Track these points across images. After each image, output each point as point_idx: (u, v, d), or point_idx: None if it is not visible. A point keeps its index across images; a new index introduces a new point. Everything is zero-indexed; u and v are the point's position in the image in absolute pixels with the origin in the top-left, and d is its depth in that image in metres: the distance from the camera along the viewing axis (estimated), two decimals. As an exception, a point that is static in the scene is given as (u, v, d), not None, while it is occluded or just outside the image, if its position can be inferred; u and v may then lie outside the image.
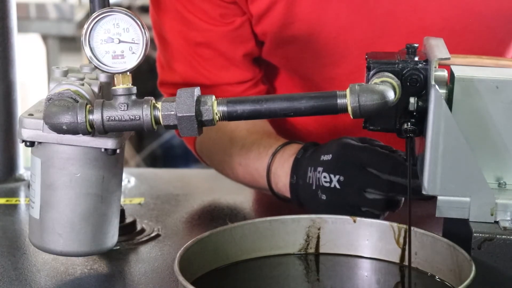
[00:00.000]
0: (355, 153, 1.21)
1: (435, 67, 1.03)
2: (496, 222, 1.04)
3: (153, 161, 3.63)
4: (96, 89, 1.08)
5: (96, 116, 1.01)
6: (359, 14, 1.37)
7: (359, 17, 1.38)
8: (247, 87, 1.47)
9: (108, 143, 1.07)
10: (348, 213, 1.14)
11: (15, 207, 1.42)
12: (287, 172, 1.30)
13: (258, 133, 1.43)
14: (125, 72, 1.01)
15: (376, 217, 1.19)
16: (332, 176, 1.21)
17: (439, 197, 1.05)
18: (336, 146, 1.23)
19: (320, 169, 1.22)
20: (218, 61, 1.45)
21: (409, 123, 1.06)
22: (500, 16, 1.40)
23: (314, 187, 1.23)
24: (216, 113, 1.01)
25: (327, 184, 1.21)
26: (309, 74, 1.47)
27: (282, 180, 1.32)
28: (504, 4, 1.39)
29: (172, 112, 1.01)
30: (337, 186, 1.20)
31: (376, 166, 1.18)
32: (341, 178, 1.20)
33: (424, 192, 1.05)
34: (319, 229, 1.13)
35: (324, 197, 1.22)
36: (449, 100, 1.05)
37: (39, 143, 1.08)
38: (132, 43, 1.01)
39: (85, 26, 1.00)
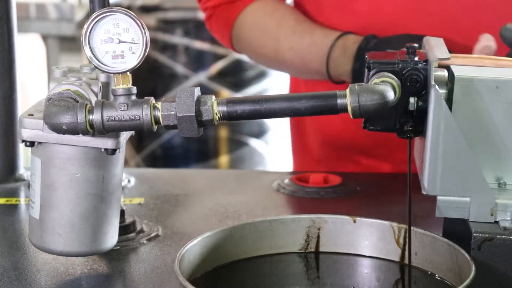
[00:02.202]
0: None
1: (435, 67, 1.03)
2: (496, 222, 1.04)
3: (153, 161, 3.63)
4: (96, 89, 1.08)
5: (96, 116, 1.01)
6: None
7: None
8: None
9: (108, 143, 1.07)
10: None
11: (15, 207, 1.42)
12: (350, 59, 1.42)
13: (308, 22, 1.55)
14: (125, 72, 1.01)
15: None
16: None
17: (439, 197, 1.05)
18: (404, 42, 1.24)
19: None
20: None
21: (409, 123, 1.06)
22: None
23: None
24: (216, 113, 1.01)
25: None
26: None
27: (343, 66, 1.45)
28: None
29: (172, 112, 1.01)
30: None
31: None
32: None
33: (424, 192, 1.05)
34: (319, 229, 1.13)
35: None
36: (449, 100, 1.05)
37: (39, 143, 1.08)
38: (132, 43, 1.01)
39: (85, 26, 1.00)
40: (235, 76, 3.56)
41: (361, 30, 1.50)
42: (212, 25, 1.67)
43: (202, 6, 1.68)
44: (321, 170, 1.62)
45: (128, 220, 1.29)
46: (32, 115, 1.08)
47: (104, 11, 1.00)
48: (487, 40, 1.28)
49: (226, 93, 3.51)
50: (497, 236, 1.01)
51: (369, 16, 1.51)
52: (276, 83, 3.65)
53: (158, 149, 3.63)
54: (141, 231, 1.28)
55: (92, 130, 1.01)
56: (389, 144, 1.45)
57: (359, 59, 1.43)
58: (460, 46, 1.34)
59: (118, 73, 1.01)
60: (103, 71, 1.02)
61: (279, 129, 3.65)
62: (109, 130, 1.02)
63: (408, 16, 1.49)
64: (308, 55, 1.53)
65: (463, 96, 1.05)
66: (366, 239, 1.12)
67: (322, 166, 1.69)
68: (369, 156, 1.64)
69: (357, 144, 1.63)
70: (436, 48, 1.06)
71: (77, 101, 1.03)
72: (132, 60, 1.01)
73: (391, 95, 1.00)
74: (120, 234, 1.17)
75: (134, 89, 1.02)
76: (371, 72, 1.05)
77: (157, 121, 1.02)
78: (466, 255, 1.00)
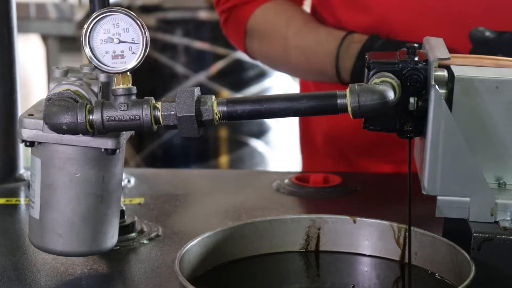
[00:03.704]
0: None
1: (435, 67, 1.03)
2: (496, 222, 1.04)
3: (153, 161, 3.63)
4: (96, 89, 1.08)
5: (96, 116, 1.01)
6: None
7: None
8: None
9: (108, 143, 1.07)
10: None
11: (15, 207, 1.42)
12: (351, 58, 1.45)
13: (314, 23, 1.58)
14: (125, 72, 1.01)
15: None
16: None
17: (439, 197, 1.05)
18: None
19: None
20: None
21: (409, 123, 1.06)
22: None
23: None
24: (216, 113, 1.01)
25: None
26: None
27: (345, 64, 1.47)
28: None
29: (172, 112, 1.01)
30: None
31: None
32: None
33: (424, 192, 1.05)
34: (319, 229, 1.13)
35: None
36: (449, 100, 1.05)
37: (39, 143, 1.08)
38: (132, 43, 1.01)
39: (85, 26, 1.00)
40: (235, 76, 3.56)
41: (372, 30, 1.51)
42: (228, 28, 1.69)
43: (219, 10, 1.70)
44: (329, 168, 1.63)
45: (128, 220, 1.29)
46: (32, 115, 1.08)
47: (104, 11, 1.00)
48: None
49: (226, 93, 3.51)
50: (497, 236, 1.01)
51: (381, 15, 1.52)
52: (276, 83, 3.65)
53: (158, 149, 3.62)
54: (141, 231, 1.28)
55: (92, 130, 1.01)
56: (390, 144, 1.45)
57: (361, 59, 1.44)
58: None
59: (118, 73, 1.01)
60: (103, 71, 1.02)
61: (279, 129, 3.65)
62: (109, 130, 1.02)
63: (421, 14, 1.50)
64: (313, 55, 1.55)
65: (463, 96, 1.05)
66: (366, 239, 1.12)
67: (328, 165, 1.69)
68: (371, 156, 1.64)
69: (359, 143, 1.63)
70: (436, 48, 1.06)
71: (77, 101, 1.03)
72: (132, 60, 1.01)
73: (391, 95, 1.00)
74: (120, 234, 1.17)
75: (134, 89, 1.02)
76: (371, 72, 1.05)
77: (157, 121, 1.02)
78: (466, 255, 1.00)
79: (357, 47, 1.48)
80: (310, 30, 1.57)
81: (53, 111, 1.01)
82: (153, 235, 1.27)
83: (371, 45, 1.46)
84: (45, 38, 4.04)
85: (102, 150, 1.07)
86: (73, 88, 1.06)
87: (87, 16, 1.04)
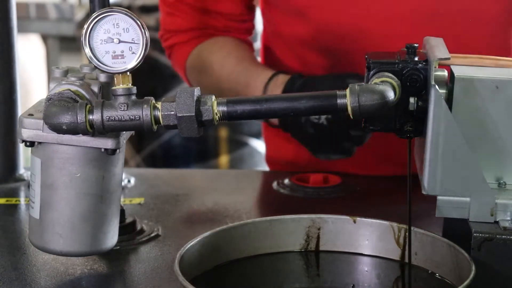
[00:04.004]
0: None
1: (435, 67, 1.03)
2: (496, 222, 1.04)
3: (153, 161, 3.63)
4: (96, 89, 1.08)
5: (96, 116, 1.01)
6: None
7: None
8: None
9: (108, 143, 1.07)
10: (330, 147, 1.19)
11: (15, 207, 1.42)
12: None
13: (247, 62, 1.55)
14: (125, 72, 1.01)
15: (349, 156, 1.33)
16: None
17: (439, 197, 1.05)
18: (328, 84, 1.26)
19: None
20: None
21: (409, 123, 1.06)
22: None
23: (303, 120, 1.32)
24: (216, 113, 1.01)
25: (315, 120, 1.26)
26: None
27: None
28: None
29: (172, 112, 1.01)
30: (325, 123, 1.24)
31: None
32: (329, 117, 1.25)
33: (424, 192, 1.05)
34: (319, 229, 1.13)
35: (311, 130, 1.28)
36: (449, 100, 1.05)
37: (39, 143, 1.08)
38: (132, 43, 1.01)
39: (85, 26, 1.00)
40: (235, 76, 3.56)
41: (311, 40, 1.51)
42: (172, 62, 1.70)
43: (162, 45, 1.69)
44: (292, 152, 1.64)
45: (128, 220, 1.29)
46: (32, 115, 1.08)
47: (104, 11, 1.00)
48: None
49: (226, 93, 3.51)
50: (497, 236, 1.01)
51: (319, 24, 1.50)
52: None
53: (158, 149, 3.62)
54: (141, 231, 1.28)
55: (92, 130, 1.01)
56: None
57: None
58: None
59: (118, 73, 1.01)
60: (103, 71, 1.02)
61: (279, 129, 3.65)
62: (109, 130, 1.02)
63: (362, 22, 1.48)
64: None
65: (463, 96, 1.05)
66: (366, 239, 1.12)
67: (290, 149, 1.69)
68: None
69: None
70: (436, 48, 1.06)
71: (77, 101, 1.03)
72: (132, 60, 1.01)
73: (391, 95, 1.00)
74: (120, 234, 1.17)
75: (134, 89, 1.02)
76: (371, 72, 1.05)
77: (157, 121, 1.01)
78: (466, 255, 1.00)
79: (280, 90, 1.45)
80: (241, 72, 1.55)
81: (53, 111, 1.01)
82: (153, 235, 1.27)
83: (291, 85, 1.43)
84: (45, 38, 4.04)
85: (102, 150, 1.07)
86: (73, 88, 1.06)
87: (87, 16, 1.04)
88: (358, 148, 1.45)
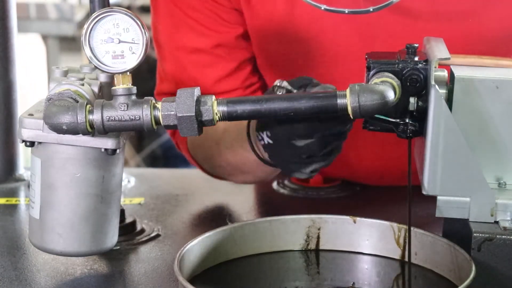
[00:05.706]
0: None
1: (435, 67, 1.03)
2: (496, 222, 1.04)
3: (153, 161, 3.63)
4: (96, 89, 1.08)
5: (96, 116, 1.01)
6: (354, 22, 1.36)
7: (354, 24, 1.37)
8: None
9: (108, 143, 1.07)
10: (294, 166, 1.13)
11: (15, 207, 1.42)
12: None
13: (230, 130, 1.38)
14: (125, 72, 1.01)
15: (323, 162, 1.15)
16: (261, 133, 1.17)
17: (439, 197, 1.05)
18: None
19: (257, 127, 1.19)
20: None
21: (409, 123, 1.06)
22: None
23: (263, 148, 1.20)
24: (216, 113, 1.01)
25: (262, 142, 1.18)
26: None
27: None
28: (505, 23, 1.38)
29: (172, 112, 1.01)
30: (270, 141, 1.16)
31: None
32: (268, 133, 1.15)
33: (424, 192, 1.05)
34: (319, 229, 1.13)
35: (266, 155, 1.19)
36: (449, 100, 1.05)
37: (39, 143, 1.08)
38: (132, 43, 1.01)
39: (85, 26, 1.00)
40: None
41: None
42: (175, 141, 1.58)
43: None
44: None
45: (128, 220, 1.29)
46: (32, 115, 1.08)
47: (104, 11, 1.00)
48: None
49: (226, 93, 3.50)
50: (497, 236, 1.01)
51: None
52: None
53: (158, 149, 3.62)
54: (141, 231, 1.28)
55: (92, 130, 1.01)
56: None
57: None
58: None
59: (118, 73, 1.01)
60: (103, 71, 1.02)
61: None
62: (109, 130, 1.02)
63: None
64: (244, 169, 1.37)
65: (463, 96, 1.05)
66: (366, 239, 1.12)
67: None
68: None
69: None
70: (436, 48, 1.06)
71: (77, 101, 1.03)
72: (132, 60, 1.01)
73: (391, 95, 1.00)
74: (120, 234, 1.17)
75: (134, 89, 1.02)
76: (371, 72, 1.05)
77: (157, 121, 1.01)
78: (466, 255, 1.00)
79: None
80: (230, 141, 1.38)
81: (53, 111, 1.01)
82: (153, 235, 1.27)
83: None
84: (45, 38, 4.03)
85: (102, 150, 1.07)
86: (73, 88, 1.06)
87: (87, 16, 1.04)
88: (362, 159, 1.44)
